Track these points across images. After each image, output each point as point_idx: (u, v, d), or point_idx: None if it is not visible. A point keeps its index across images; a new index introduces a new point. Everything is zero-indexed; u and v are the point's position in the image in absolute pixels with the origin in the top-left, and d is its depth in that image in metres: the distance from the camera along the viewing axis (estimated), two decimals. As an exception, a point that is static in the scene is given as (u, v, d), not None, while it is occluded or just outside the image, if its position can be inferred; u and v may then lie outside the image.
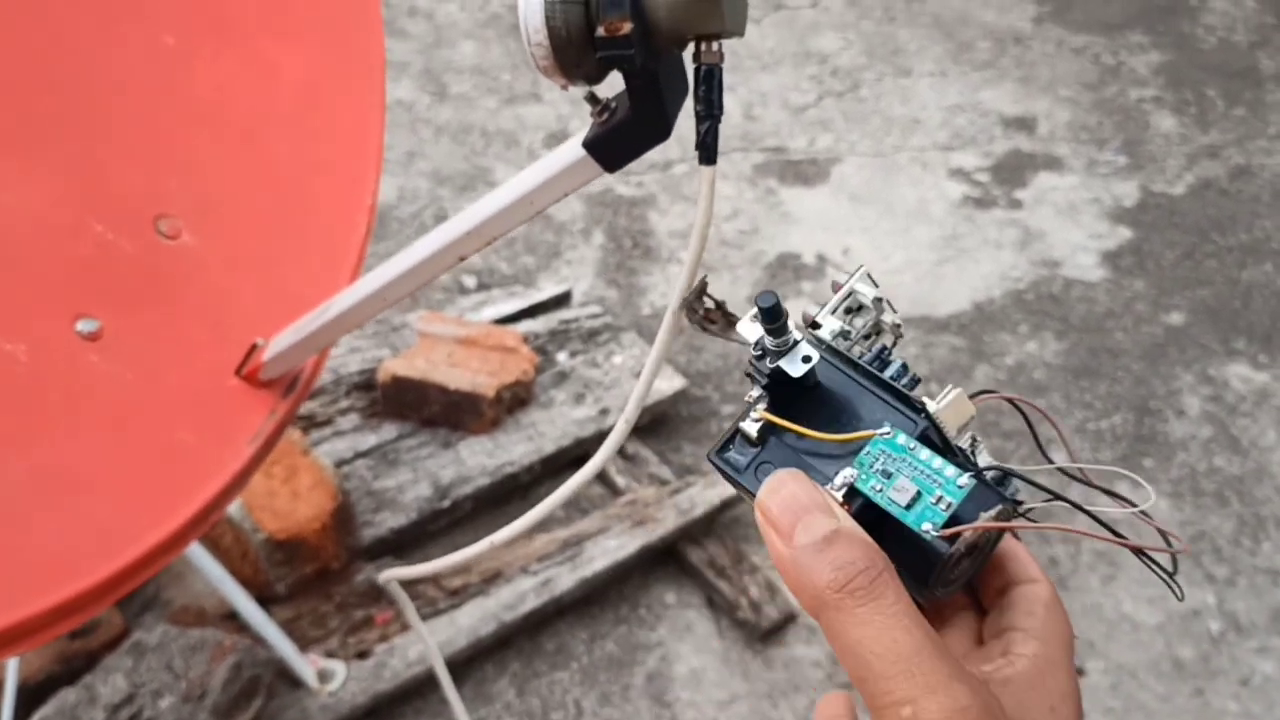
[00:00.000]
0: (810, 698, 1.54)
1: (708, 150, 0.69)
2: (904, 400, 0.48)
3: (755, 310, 0.50)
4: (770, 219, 2.39)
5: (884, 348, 0.51)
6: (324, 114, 1.16)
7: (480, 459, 1.75)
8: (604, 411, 1.83)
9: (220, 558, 1.56)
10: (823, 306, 0.52)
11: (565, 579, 1.61)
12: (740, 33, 0.70)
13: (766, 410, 0.49)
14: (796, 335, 0.49)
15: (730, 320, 0.58)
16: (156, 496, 0.91)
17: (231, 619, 1.48)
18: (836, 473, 0.45)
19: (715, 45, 0.67)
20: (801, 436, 0.48)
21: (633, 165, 2.34)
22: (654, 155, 2.59)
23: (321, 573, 1.57)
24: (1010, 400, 0.53)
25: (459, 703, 1.21)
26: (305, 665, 1.46)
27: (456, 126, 2.66)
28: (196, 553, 1.43)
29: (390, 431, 1.78)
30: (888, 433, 0.45)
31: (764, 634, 1.60)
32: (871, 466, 0.45)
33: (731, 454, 0.50)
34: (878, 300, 0.52)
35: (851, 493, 0.44)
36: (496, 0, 3.13)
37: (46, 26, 1.01)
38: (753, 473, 0.48)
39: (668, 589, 1.67)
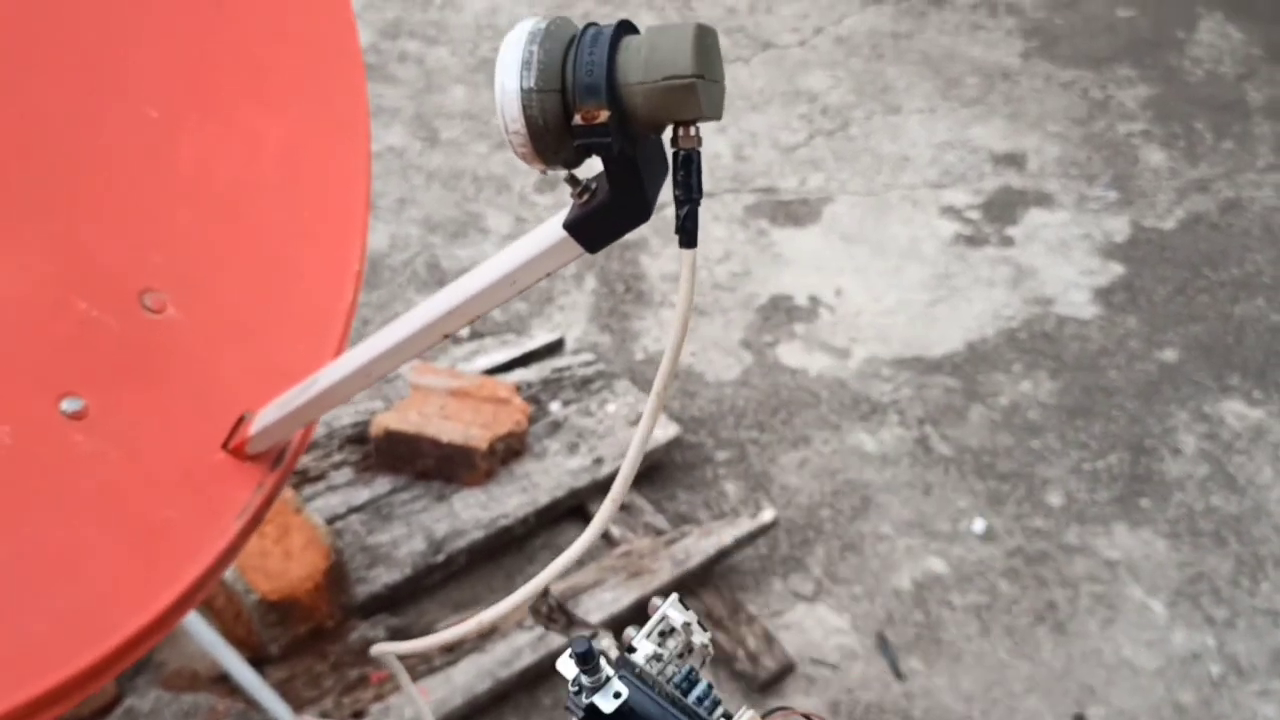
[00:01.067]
0: (809, 751, 1.52)
1: (688, 234, 0.69)
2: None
3: (570, 652, 0.55)
4: (762, 260, 2.40)
5: (692, 669, 0.57)
6: (308, 182, 1.16)
7: (474, 511, 1.74)
8: (598, 461, 1.83)
9: (213, 619, 1.55)
10: (638, 631, 0.58)
11: (562, 634, 1.60)
12: (718, 117, 0.70)
13: None
14: (609, 672, 0.55)
15: (571, 620, 0.74)
16: (142, 577, 0.91)
17: (225, 681, 1.47)
18: None
19: (693, 130, 0.68)
20: None
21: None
22: (645, 198, 2.60)
23: (316, 632, 1.56)
24: (805, 716, 0.59)
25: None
26: (299, 727, 1.45)
27: (448, 172, 2.67)
28: (189, 617, 1.42)
29: (384, 485, 1.78)
30: None
31: (762, 685, 1.59)
32: None
33: None
34: (686, 625, 0.57)
35: None
36: (486, 45, 3.15)
37: (27, 102, 1.01)
38: None
39: (664, 641, 1.66)
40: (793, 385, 2.09)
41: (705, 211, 2.49)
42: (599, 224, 0.73)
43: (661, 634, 0.58)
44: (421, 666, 1.56)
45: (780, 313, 2.26)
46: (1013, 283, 2.32)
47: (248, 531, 0.98)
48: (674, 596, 0.59)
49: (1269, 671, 1.61)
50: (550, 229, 0.76)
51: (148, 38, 1.09)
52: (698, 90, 0.66)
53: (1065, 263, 2.37)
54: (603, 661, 0.55)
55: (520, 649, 1.57)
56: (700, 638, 0.59)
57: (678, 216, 0.69)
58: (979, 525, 1.82)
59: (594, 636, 0.61)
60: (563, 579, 1.71)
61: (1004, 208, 2.53)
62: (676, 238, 0.69)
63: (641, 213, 0.72)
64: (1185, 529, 1.81)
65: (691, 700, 0.56)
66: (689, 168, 0.68)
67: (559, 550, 1.80)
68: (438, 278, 2.33)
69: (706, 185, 2.47)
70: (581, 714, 0.54)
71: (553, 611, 0.63)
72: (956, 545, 1.79)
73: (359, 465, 1.80)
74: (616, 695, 0.53)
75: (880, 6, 3.30)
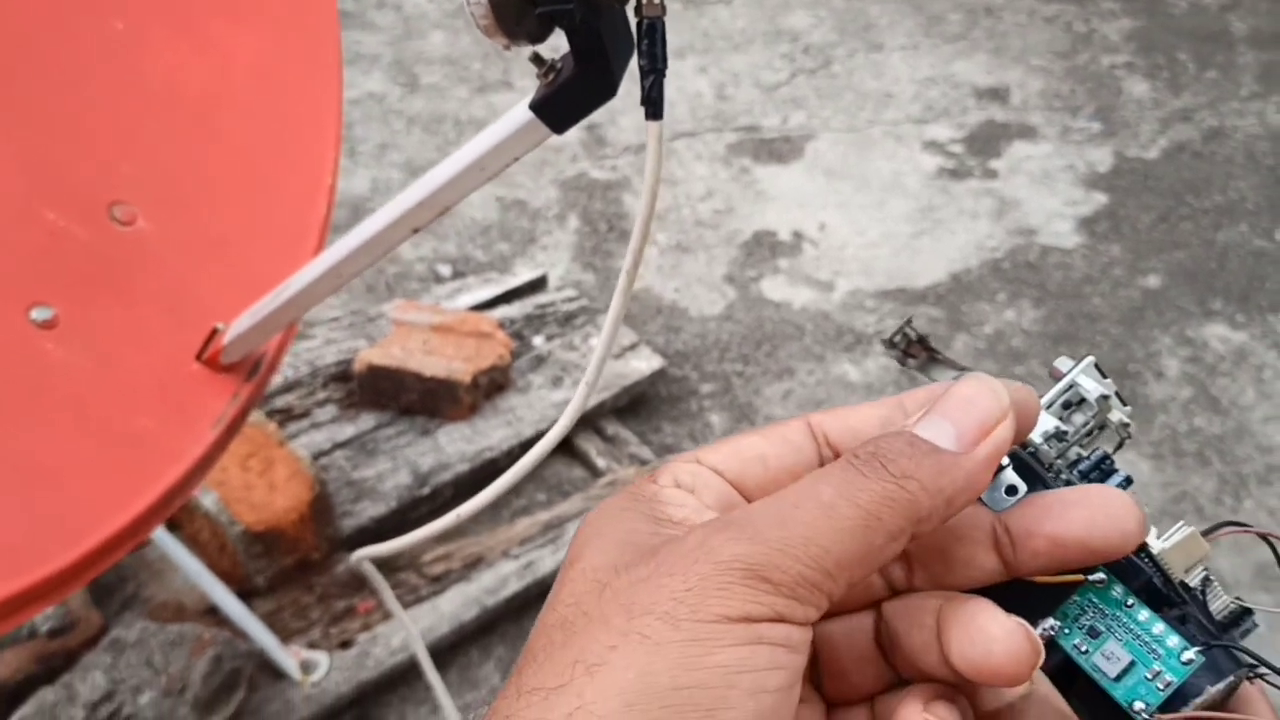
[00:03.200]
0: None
1: (654, 105, 0.69)
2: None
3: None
4: (745, 198, 2.38)
5: (1106, 455, 0.42)
6: (279, 95, 1.15)
7: (459, 445, 1.74)
8: (582, 394, 1.82)
9: (198, 552, 1.55)
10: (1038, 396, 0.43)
11: (548, 561, 1.60)
12: (683, -16, 0.69)
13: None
14: (1003, 460, 0.40)
15: (933, 355, 0.52)
16: (118, 484, 0.90)
17: (212, 613, 1.47)
18: (1036, 621, 0.37)
19: (657, -2, 0.67)
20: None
21: (607, 149, 2.32)
22: (629, 138, 2.59)
23: (302, 564, 1.56)
24: (1262, 535, 0.44)
25: (442, 687, 1.20)
26: (287, 657, 1.45)
27: (429, 117, 2.65)
28: (174, 548, 1.43)
29: (368, 421, 1.77)
30: (1101, 580, 0.38)
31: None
32: (1077, 620, 0.38)
33: None
34: (1103, 398, 0.43)
35: (1051, 646, 0.37)
36: (465, -10, 3.12)
37: (-9, 15, 1.00)
38: None
39: (651, 568, 1.66)
40: (777, 318, 2.08)
41: (687, 150, 2.48)
42: (565, 102, 0.72)
43: (1065, 405, 0.44)
44: (408, 596, 1.56)
45: (764, 248, 2.25)
46: (996, 214, 2.32)
47: (224, 440, 0.97)
48: (1089, 360, 0.44)
49: (1252, 585, 1.62)
50: (517, 112, 0.75)
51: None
52: (660, -46, 0.64)
53: (1049, 194, 2.37)
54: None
55: (506, 577, 1.58)
56: (1119, 414, 0.43)
57: (643, 87, 0.68)
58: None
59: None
60: (548, 508, 1.71)
61: (987, 141, 2.52)
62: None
63: (608, 88, 0.71)
64: (1169, 450, 1.82)
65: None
66: (653, 36, 0.67)
67: (545, 483, 1.81)
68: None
69: (688, 124, 2.46)
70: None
71: (911, 345, 0.43)
72: (941, 470, 1.79)
73: (343, 402, 1.80)
74: (1012, 491, 0.38)
75: (862, -54, 3.28)
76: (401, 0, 3.08)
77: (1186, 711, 0.35)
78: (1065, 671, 0.37)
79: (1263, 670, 0.39)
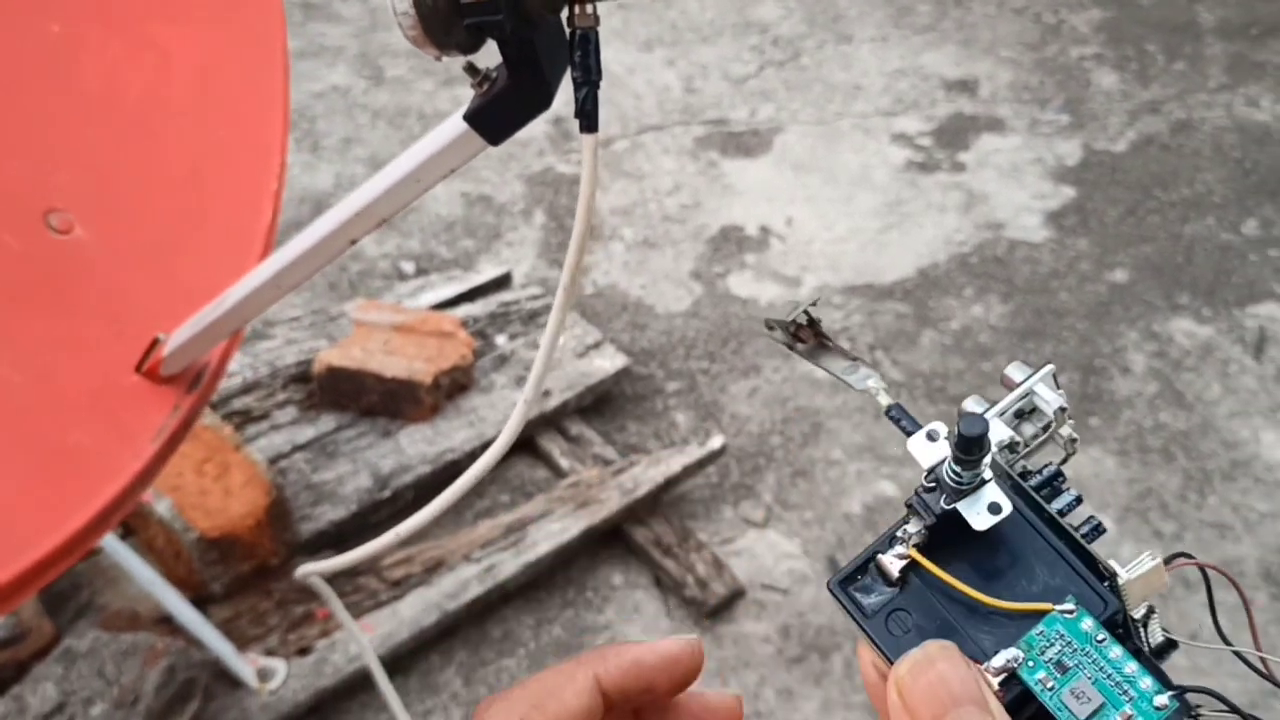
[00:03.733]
0: (760, 674, 1.52)
1: (588, 117, 0.67)
2: (1090, 565, 0.38)
3: (935, 432, 0.39)
4: (712, 192, 2.37)
5: (1057, 472, 0.40)
6: (223, 98, 1.12)
7: (420, 447, 1.72)
8: (546, 393, 1.81)
9: (154, 559, 1.53)
10: (989, 404, 0.42)
11: (509, 565, 1.58)
12: (615, -8, 0.68)
13: (917, 548, 0.39)
14: (987, 473, 0.38)
15: (823, 342, 0.48)
16: (53, 500, 0.88)
17: (167, 621, 1.45)
18: (997, 650, 0.35)
19: (590, 8, 0.65)
20: (956, 592, 0.38)
21: (573, 143, 2.29)
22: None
23: (259, 570, 1.54)
24: (1206, 568, 0.44)
25: (397, 701, 1.19)
26: (244, 665, 1.43)
27: (394, 110, 2.62)
28: (126, 555, 1.40)
29: (328, 423, 1.75)
30: (1070, 611, 0.36)
31: (711, 611, 1.59)
32: (1043, 653, 0.35)
33: (860, 589, 0.40)
34: (1061, 411, 0.41)
35: (1011, 680, 0.35)
36: (432, -19, 3.09)
37: (-78, 18, 0.97)
38: (883, 621, 0.39)
39: (614, 570, 1.65)
40: (743, 315, 2.07)
41: (655, 144, 2.46)
42: (499, 113, 0.70)
43: (1018, 414, 0.42)
44: (367, 601, 1.54)
45: (731, 243, 2.23)
46: (964, 208, 2.31)
47: (164, 454, 0.95)
48: (1048, 369, 0.42)
49: (1215, 582, 1.61)
50: (451, 123, 0.73)
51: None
52: (592, -37, 0.62)
53: (1017, 187, 2.36)
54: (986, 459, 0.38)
55: (467, 581, 1.56)
56: (1067, 428, 0.42)
57: (577, 99, 0.66)
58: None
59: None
60: (510, 510, 1.69)
61: (955, 134, 2.51)
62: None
63: (543, 99, 0.69)
64: (1134, 446, 1.82)
65: (1071, 519, 0.40)
66: (586, 47, 0.65)
67: (508, 484, 1.79)
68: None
69: (655, 118, 2.43)
70: (933, 520, 0.38)
71: (800, 330, 0.37)
72: (907, 468, 1.78)
73: (303, 404, 1.77)
74: (994, 510, 0.37)
75: (832, -64, 3.26)
76: (367, -8, 3.04)
77: None
78: (1023, 707, 0.35)
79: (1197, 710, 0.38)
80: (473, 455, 1.72)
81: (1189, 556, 0.42)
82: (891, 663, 0.35)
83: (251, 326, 1.86)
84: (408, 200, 0.79)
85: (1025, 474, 0.41)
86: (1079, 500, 0.41)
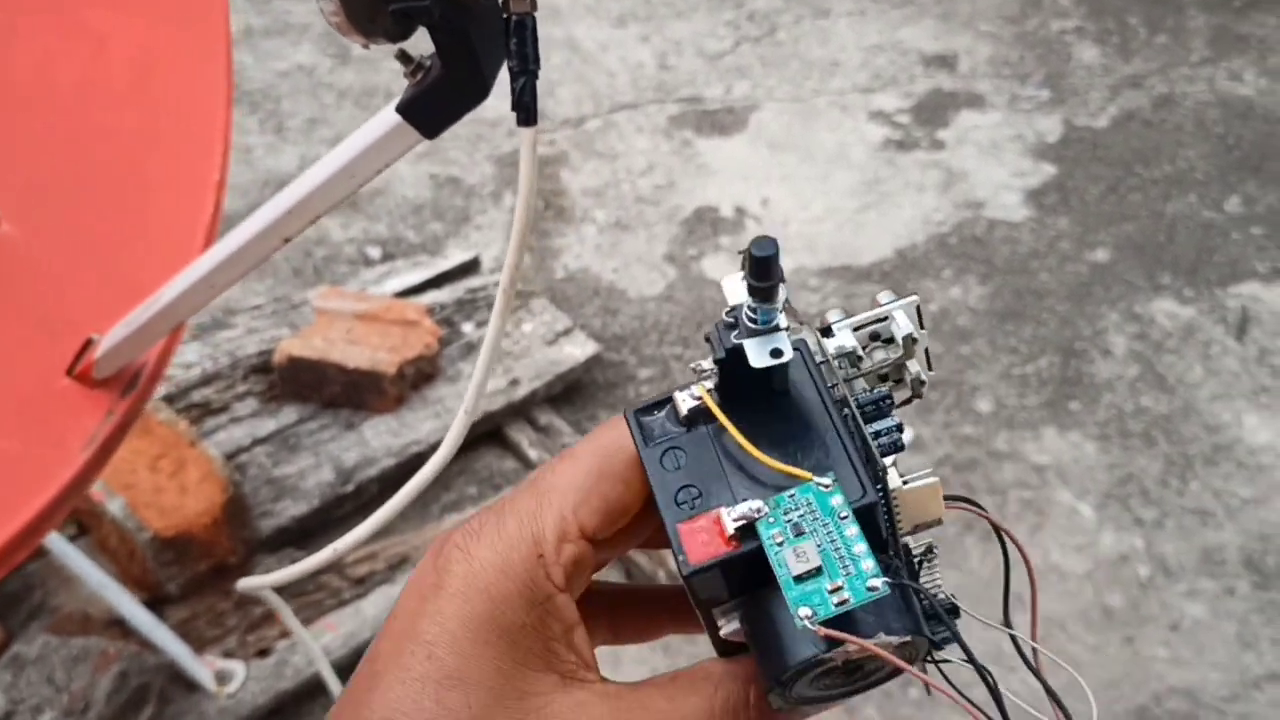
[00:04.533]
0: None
1: (525, 110, 0.62)
2: (868, 462, 0.38)
3: (747, 255, 0.37)
4: (687, 172, 2.32)
5: (888, 398, 0.40)
6: (162, 87, 1.07)
7: (385, 439, 1.68)
8: (514, 383, 1.76)
9: (108, 558, 1.48)
10: (846, 315, 0.42)
11: (475, 560, 1.54)
12: (555, -28, 0.63)
13: (711, 394, 0.38)
14: (783, 320, 0.38)
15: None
16: (-25, 514, 0.84)
17: (120, 624, 1.40)
18: (745, 499, 0.35)
19: (525, -10, 0.60)
20: (735, 444, 0.37)
21: (544, 121, 2.23)
22: (567, 110, 2.51)
23: (217, 569, 1.50)
24: (994, 525, 0.42)
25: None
26: (201, 667, 1.39)
27: (360, 90, 2.56)
28: (75, 558, 1.36)
29: (290, 415, 1.70)
30: (826, 485, 0.35)
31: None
32: (786, 513, 0.35)
33: (650, 421, 0.40)
34: (910, 340, 0.41)
35: (747, 531, 0.35)
36: (401, -44, 3.02)
37: None
38: (659, 453, 0.38)
39: (585, 564, 1.61)
40: (717, 299, 2.02)
41: (628, 123, 2.41)
42: (434, 105, 0.66)
43: (873, 336, 0.41)
44: (329, 600, 1.50)
45: (705, 225, 2.19)
46: (943, 186, 2.26)
47: (98, 461, 0.91)
48: (915, 299, 0.42)
49: (1196, 571, 1.59)
50: (384, 116, 0.68)
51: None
52: (524, -57, 0.58)
53: (996, 164, 2.32)
54: (783, 295, 0.37)
55: (433, 577, 1.52)
56: (919, 369, 0.41)
57: (514, 90, 0.61)
58: (907, 435, 1.77)
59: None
60: (477, 504, 1.65)
61: (934, 110, 2.47)
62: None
63: (479, 90, 0.65)
64: (1115, 430, 1.78)
65: (879, 428, 0.39)
66: (522, 34, 0.61)
67: (476, 475, 1.74)
68: (349, 200, 2.24)
69: (629, 95, 2.38)
70: (722, 355, 0.37)
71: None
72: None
73: (264, 395, 1.72)
74: (775, 353, 0.36)
75: (809, -92, 3.19)
76: (334, -33, 2.97)
77: (845, 635, 0.33)
78: (757, 573, 0.35)
79: (941, 654, 0.37)
80: (438, 446, 1.68)
81: (972, 504, 0.42)
82: (659, 495, 0.37)
83: (205, 318, 1.81)
84: (343, 196, 0.74)
85: (859, 393, 0.40)
86: (900, 428, 0.40)
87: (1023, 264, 2.09)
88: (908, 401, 0.42)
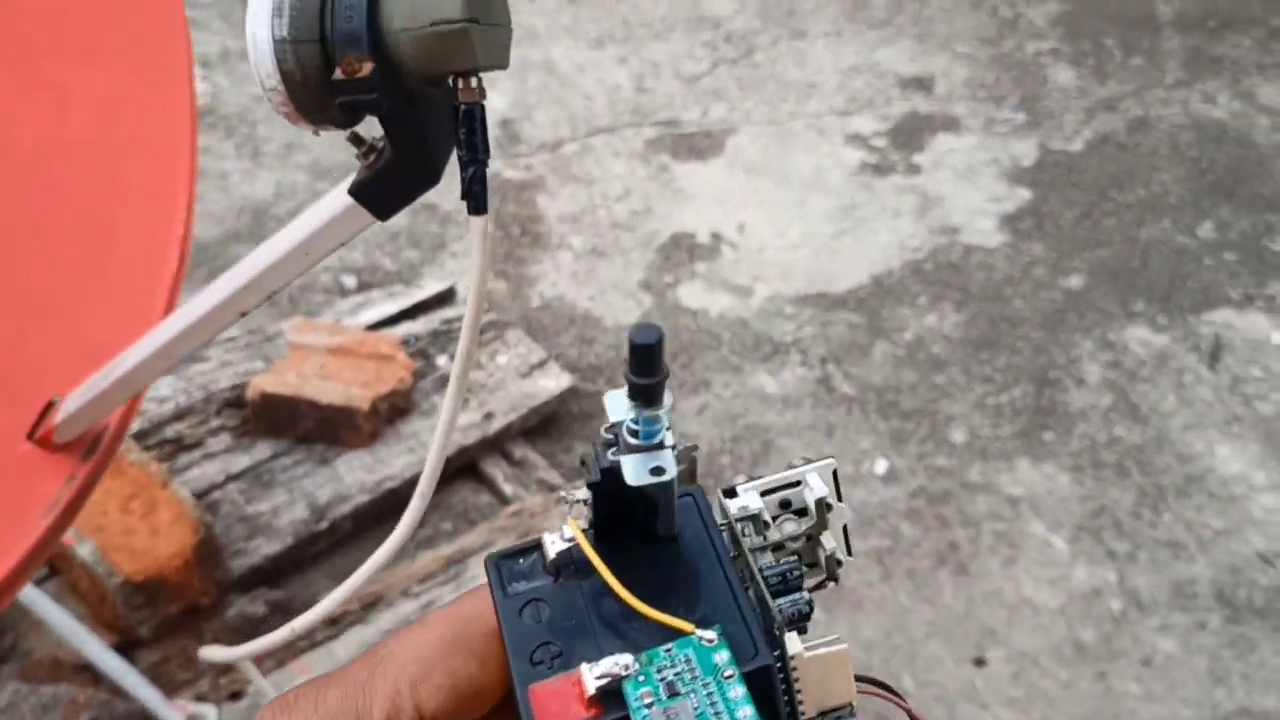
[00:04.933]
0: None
1: (476, 199, 0.62)
2: (765, 623, 0.33)
3: (633, 345, 0.31)
4: (663, 197, 2.32)
5: (797, 570, 0.35)
6: (124, 139, 1.07)
7: (359, 475, 1.67)
8: (488, 416, 1.76)
9: (79, 601, 1.47)
10: (753, 480, 0.37)
11: (449, 600, 1.54)
12: (503, 64, 0.63)
13: (586, 533, 0.34)
14: (670, 437, 0.33)
15: None
16: (-68, 587, 0.83)
17: (91, 669, 1.40)
18: (611, 654, 0.31)
19: (474, 82, 0.60)
20: (609, 590, 0.33)
21: (521, 146, 2.22)
22: (544, 135, 2.51)
23: (189, 611, 1.49)
24: (907, 711, 0.37)
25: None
26: (172, 712, 1.38)
27: (337, 114, 2.55)
28: (44, 604, 1.35)
29: (264, 451, 1.70)
30: (710, 640, 0.31)
31: (659, 642, 1.55)
32: (660, 670, 0.31)
33: (518, 571, 0.35)
34: (824, 506, 0.36)
35: (610, 696, 0.30)
36: (378, -23, 3.01)
37: None
38: (518, 606, 0.34)
39: (559, 600, 1.61)
40: (694, 327, 2.03)
41: (605, 147, 2.41)
42: (385, 189, 0.66)
43: (783, 504, 0.37)
44: (302, 641, 1.50)
45: (681, 251, 2.19)
46: (919, 212, 2.27)
47: (58, 527, 0.90)
48: (829, 461, 0.37)
49: (1169, 604, 1.59)
50: (337, 197, 0.68)
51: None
52: (471, 37, 0.58)
53: (972, 189, 2.32)
54: (666, 411, 0.32)
55: (406, 617, 1.51)
56: (833, 544, 0.37)
57: (463, 180, 0.61)
58: (881, 466, 1.78)
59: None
60: (452, 541, 1.65)
61: (911, 134, 2.47)
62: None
63: (429, 176, 0.65)
64: (1088, 461, 1.79)
65: (782, 602, 0.34)
66: (471, 124, 0.61)
67: (451, 510, 1.74)
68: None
69: (606, 119, 2.37)
70: (596, 477, 0.33)
71: None
72: (859, 488, 1.75)
73: (237, 430, 1.72)
74: (658, 471, 0.32)
75: (787, -73, 3.20)
76: (312, -12, 2.97)
77: None
78: None
79: None
80: (412, 483, 1.67)
81: (887, 689, 0.36)
82: (511, 653, 0.32)
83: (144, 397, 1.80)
84: (299, 272, 0.74)
85: (765, 568, 0.35)
86: (809, 605, 0.34)
87: (997, 291, 2.09)
88: (821, 585, 0.37)
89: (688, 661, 0.31)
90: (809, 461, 0.38)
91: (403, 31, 0.57)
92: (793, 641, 0.32)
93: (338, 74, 0.58)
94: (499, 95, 2.58)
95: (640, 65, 2.72)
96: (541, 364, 1.84)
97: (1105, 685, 1.50)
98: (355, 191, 0.66)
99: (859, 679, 0.34)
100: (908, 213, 2.27)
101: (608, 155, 2.44)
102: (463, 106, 0.59)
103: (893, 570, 1.65)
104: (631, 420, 0.32)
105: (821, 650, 0.32)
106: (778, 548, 0.37)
